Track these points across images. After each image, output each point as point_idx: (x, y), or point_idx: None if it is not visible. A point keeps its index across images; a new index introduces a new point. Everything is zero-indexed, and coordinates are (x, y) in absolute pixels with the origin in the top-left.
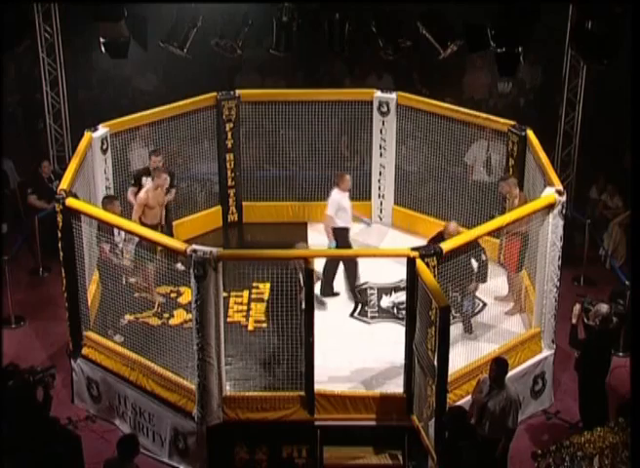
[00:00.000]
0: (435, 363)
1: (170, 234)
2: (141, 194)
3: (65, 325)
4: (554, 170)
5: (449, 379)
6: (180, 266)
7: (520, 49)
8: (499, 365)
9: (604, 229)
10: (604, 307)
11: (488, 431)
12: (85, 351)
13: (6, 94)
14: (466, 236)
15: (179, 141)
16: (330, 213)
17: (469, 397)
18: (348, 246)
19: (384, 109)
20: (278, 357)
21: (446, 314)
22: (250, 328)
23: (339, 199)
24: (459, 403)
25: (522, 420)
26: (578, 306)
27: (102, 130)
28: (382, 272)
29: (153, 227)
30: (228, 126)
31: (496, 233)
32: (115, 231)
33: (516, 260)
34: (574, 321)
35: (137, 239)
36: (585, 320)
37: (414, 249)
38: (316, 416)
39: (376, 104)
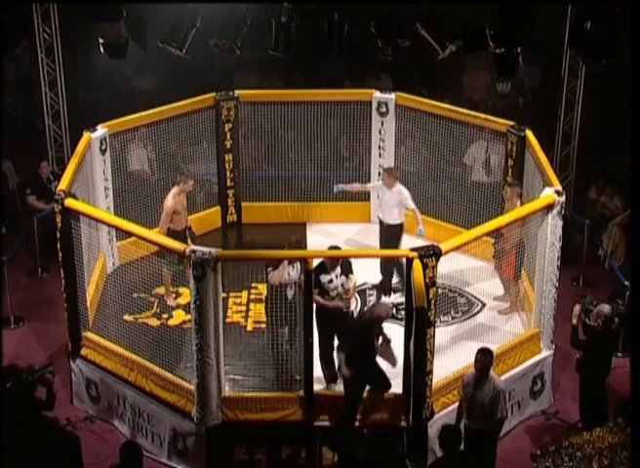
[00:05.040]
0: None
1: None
2: (169, 202)
3: (64, 325)
4: (553, 170)
5: (448, 380)
6: None
7: (519, 49)
8: (484, 354)
9: (603, 230)
10: (606, 307)
11: (479, 423)
12: (84, 352)
13: (5, 94)
14: (466, 236)
15: (177, 142)
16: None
17: None
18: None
19: (383, 110)
20: (277, 357)
21: (422, 314)
22: (249, 328)
23: None
24: (457, 404)
25: (521, 421)
26: (577, 306)
27: (101, 130)
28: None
29: (182, 231)
30: (227, 126)
31: (494, 233)
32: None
33: (514, 270)
34: (574, 321)
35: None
36: (587, 320)
37: (413, 249)
38: (315, 417)
39: (375, 105)
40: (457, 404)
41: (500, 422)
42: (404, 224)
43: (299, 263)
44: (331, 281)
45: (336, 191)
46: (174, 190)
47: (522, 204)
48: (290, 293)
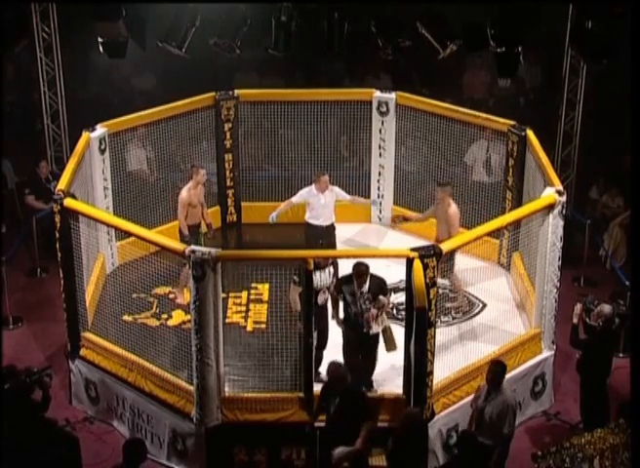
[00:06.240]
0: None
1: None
2: (183, 194)
3: (63, 326)
4: (554, 170)
5: (448, 380)
6: None
7: (520, 48)
8: (496, 367)
9: (604, 230)
10: (607, 307)
11: (485, 436)
12: (83, 352)
13: (4, 94)
14: (466, 236)
15: (177, 142)
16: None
17: (468, 398)
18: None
19: (384, 109)
20: (277, 358)
21: (422, 315)
22: (248, 328)
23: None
24: (457, 404)
25: (522, 421)
26: (578, 306)
27: (100, 130)
28: (382, 273)
29: (195, 227)
30: (227, 126)
31: (495, 233)
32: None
33: None
34: (574, 320)
35: None
36: (587, 320)
37: (413, 249)
38: (315, 418)
39: (375, 104)
40: (457, 404)
41: (506, 438)
42: None
43: (331, 267)
44: (353, 294)
45: (271, 221)
46: (189, 184)
47: (454, 203)
48: (321, 298)
